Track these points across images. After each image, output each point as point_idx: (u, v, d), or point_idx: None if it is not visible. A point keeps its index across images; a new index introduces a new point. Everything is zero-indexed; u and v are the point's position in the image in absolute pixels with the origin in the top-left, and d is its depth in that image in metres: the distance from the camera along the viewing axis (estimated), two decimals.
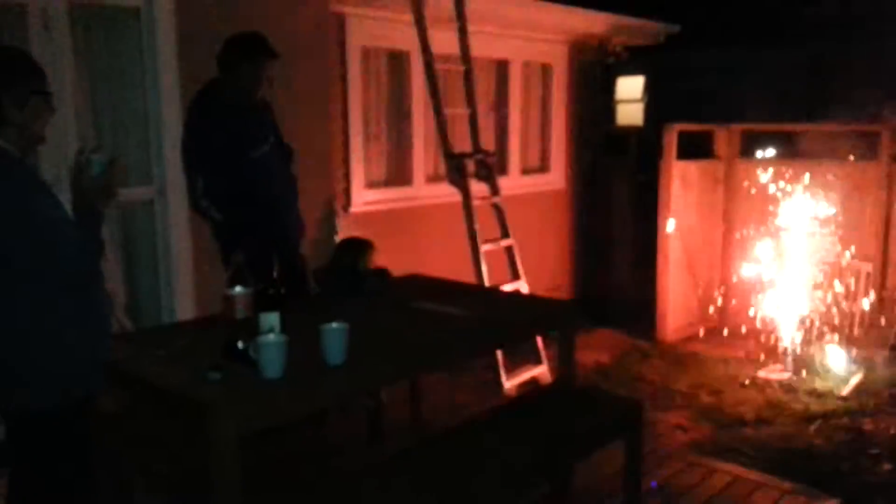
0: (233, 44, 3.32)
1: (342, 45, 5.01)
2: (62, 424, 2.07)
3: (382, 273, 3.36)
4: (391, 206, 5.50)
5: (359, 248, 3.38)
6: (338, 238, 4.56)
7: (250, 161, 3.32)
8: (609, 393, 4.30)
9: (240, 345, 2.17)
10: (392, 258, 5.36)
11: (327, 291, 3.19)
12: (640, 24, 6.95)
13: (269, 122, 3.52)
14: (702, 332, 6.03)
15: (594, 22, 6.48)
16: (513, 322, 3.06)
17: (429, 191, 5.66)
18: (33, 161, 2.13)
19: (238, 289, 2.26)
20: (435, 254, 5.49)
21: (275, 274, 2.35)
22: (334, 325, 2.24)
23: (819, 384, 4.84)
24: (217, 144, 3.26)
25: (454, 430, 2.96)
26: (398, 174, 5.67)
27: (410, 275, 3.71)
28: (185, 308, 3.90)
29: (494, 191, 5.16)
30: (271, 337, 2.14)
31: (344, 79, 5.06)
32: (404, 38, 4.83)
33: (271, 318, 2.25)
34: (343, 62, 5.03)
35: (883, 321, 5.33)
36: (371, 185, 5.44)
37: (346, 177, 5.19)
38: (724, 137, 6.19)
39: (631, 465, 3.09)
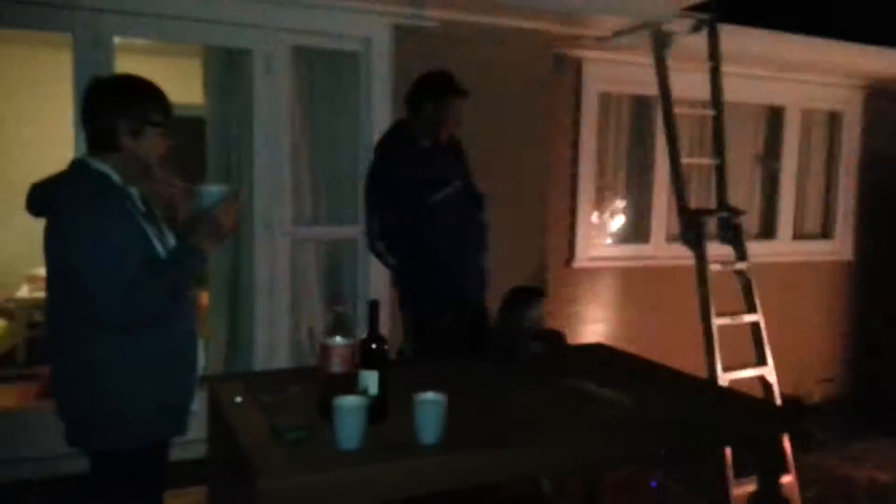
0: (418, 83, 3.19)
1: (577, 89, 4.69)
2: (137, 465, 1.99)
3: (553, 335, 2.80)
4: (621, 263, 4.99)
5: (524, 301, 2.76)
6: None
7: (429, 205, 3.13)
8: None
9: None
10: (614, 323, 4.90)
11: (490, 355, 2.75)
12: None
13: (456, 164, 3.29)
14: None
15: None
16: (687, 429, 2.21)
17: (668, 251, 5.03)
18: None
19: (338, 339, 1.99)
20: (666, 322, 4.85)
21: (378, 328, 2.00)
22: (429, 396, 1.90)
23: None
24: (396, 185, 3.13)
25: None
26: (633, 229, 5.15)
27: (594, 343, 3.15)
28: None
29: (741, 256, 4.37)
30: (349, 400, 1.85)
31: (576, 125, 4.72)
32: (650, 82, 4.33)
33: (368, 378, 1.98)
34: (576, 107, 4.70)
35: None
36: (599, 239, 4.99)
37: (572, 228, 4.81)
38: None
39: None
